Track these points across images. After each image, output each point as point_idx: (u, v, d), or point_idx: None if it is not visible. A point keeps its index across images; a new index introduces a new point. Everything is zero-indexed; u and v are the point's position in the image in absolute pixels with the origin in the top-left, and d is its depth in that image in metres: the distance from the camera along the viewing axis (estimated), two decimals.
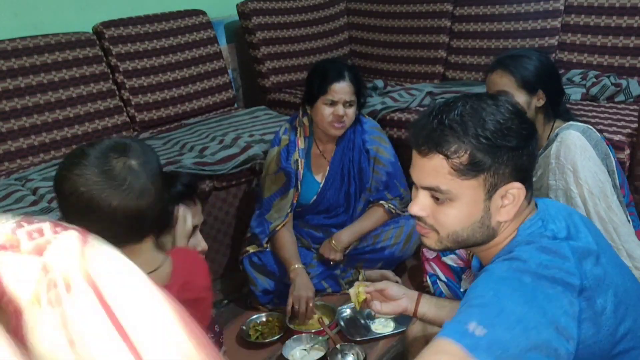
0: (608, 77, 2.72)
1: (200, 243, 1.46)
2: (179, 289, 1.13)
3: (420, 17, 3.38)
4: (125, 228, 1.07)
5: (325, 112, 2.14)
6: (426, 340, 1.58)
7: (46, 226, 0.57)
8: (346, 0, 3.74)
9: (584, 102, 2.69)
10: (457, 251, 2.12)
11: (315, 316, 2.12)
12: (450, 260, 2.12)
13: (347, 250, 2.32)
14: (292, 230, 2.29)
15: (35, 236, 0.56)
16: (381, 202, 2.31)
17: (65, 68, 2.70)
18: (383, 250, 2.36)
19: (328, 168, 2.30)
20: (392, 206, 2.31)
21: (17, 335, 0.53)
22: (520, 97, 1.73)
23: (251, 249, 2.30)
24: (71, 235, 0.58)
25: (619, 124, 2.35)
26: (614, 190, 1.73)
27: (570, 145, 1.69)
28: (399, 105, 2.87)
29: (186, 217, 1.39)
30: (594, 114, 2.51)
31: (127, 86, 2.91)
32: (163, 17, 3.08)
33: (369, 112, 2.80)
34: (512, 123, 1.02)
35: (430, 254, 2.16)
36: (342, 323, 2.13)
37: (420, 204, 1.08)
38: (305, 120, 2.27)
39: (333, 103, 2.13)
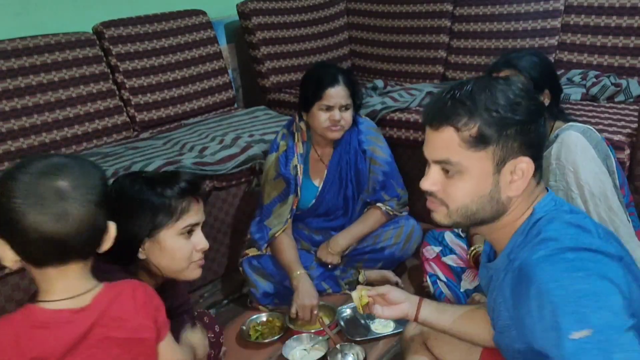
0: (608, 77, 2.72)
1: (201, 241, 1.46)
2: (100, 322, 1.09)
3: (420, 17, 3.38)
4: (39, 249, 1.02)
5: (321, 117, 2.13)
6: (423, 340, 1.58)
7: None
8: (346, 0, 3.74)
9: (584, 102, 2.69)
10: (457, 252, 2.12)
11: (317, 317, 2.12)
12: (450, 260, 2.12)
13: (346, 252, 2.32)
14: (291, 235, 2.29)
15: None
16: (378, 204, 2.30)
17: (65, 68, 2.70)
18: (383, 251, 2.36)
19: (326, 172, 2.29)
20: (389, 208, 2.31)
21: None
22: None
23: (250, 252, 2.30)
24: None
25: (619, 124, 2.35)
26: (614, 191, 1.73)
27: (570, 145, 1.69)
28: (399, 105, 2.87)
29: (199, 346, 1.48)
30: (594, 114, 2.51)
31: (127, 86, 2.91)
32: (163, 17, 3.08)
33: (369, 112, 2.80)
34: (522, 99, 1.05)
35: (430, 254, 2.16)
36: (342, 323, 2.13)
37: (432, 179, 1.11)
38: (302, 125, 2.26)
39: (329, 108, 2.12)
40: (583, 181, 1.68)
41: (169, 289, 1.60)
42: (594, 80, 2.73)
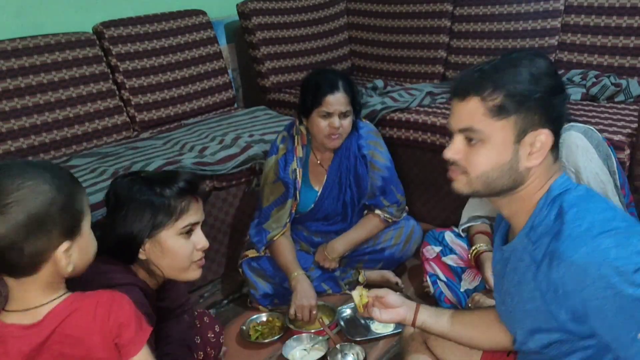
0: (608, 77, 2.72)
1: (201, 240, 1.46)
2: (54, 339, 1.08)
3: (420, 17, 3.37)
4: None
5: (320, 124, 2.11)
6: (423, 339, 1.58)
7: None
8: (346, 0, 3.74)
9: (584, 102, 2.69)
10: (457, 252, 2.12)
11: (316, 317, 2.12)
12: (450, 260, 2.12)
13: (344, 255, 2.32)
14: (290, 237, 2.28)
15: None
16: (377, 211, 2.30)
17: (65, 68, 2.70)
18: (383, 251, 2.36)
19: (326, 177, 2.28)
20: (388, 216, 2.30)
21: None
22: None
23: (250, 254, 2.30)
24: None
25: (619, 124, 2.35)
26: (615, 191, 1.73)
27: (571, 146, 1.69)
28: (399, 105, 2.87)
29: None
30: (594, 114, 2.51)
31: (127, 86, 2.91)
32: (163, 17, 3.08)
33: (369, 112, 2.80)
34: (544, 76, 1.11)
35: (430, 254, 2.16)
36: (342, 323, 2.13)
37: (455, 148, 1.16)
38: (302, 128, 2.24)
39: (328, 115, 2.10)
40: (584, 181, 1.68)
41: (169, 289, 1.60)
42: (594, 80, 2.73)
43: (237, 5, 3.36)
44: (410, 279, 2.44)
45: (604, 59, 2.81)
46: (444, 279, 2.10)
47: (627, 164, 2.19)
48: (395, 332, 2.07)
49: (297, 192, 2.26)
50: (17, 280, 1.08)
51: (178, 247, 1.42)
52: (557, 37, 2.93)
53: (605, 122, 2.39)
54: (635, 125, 2.27)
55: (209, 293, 2.48)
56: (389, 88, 3.19)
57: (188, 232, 1.43)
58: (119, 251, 1.42)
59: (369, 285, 2.33)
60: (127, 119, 2.90)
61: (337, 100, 2.09)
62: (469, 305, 1.95)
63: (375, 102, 2.91)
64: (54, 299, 1.11)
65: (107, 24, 2.90)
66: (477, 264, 1.96)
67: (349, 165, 2.25)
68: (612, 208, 1.11)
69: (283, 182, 2.24)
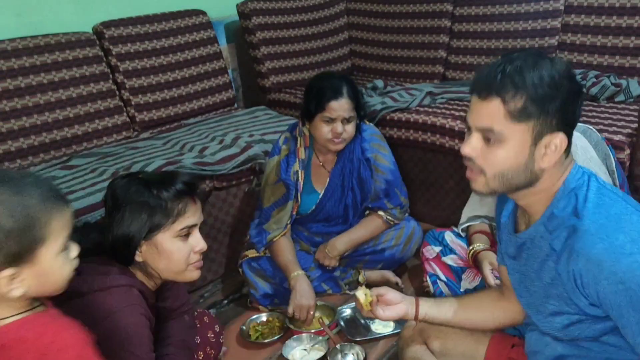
0: (608, 77, 2.72)
1: (199, 243, 1.45)
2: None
3: (420, 17, 3.37)
4: None
5: (323, 129, 2.10)
6: (423, 340, 1.58)
7: None
8: (346, 0, 3.74)
9: (584, 102, 2.69)
10: (457, 251, 2.12)
11: (316, 316, 2.12)
12: (450, 260, 2.12)
13: (345, 254, 2.32)
14: (290, 238, 2.28)
15: None
16: (380, 212, 2.30)
17: (65, 68, 2.70)
18: (383, 252, 2.36)
19: (328, 179, 2.27)
20: (390, 218, 2.30)
21: None
22: None
23: (250, 254, 2.29)
24: None
25: (619, 124, 2.35)
26: None
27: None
28: (399, 105, 2.87)
29: None
30: (594, 114, 2.51)
31: (127, 86, 2.91)
32: (163, 17, 3.08)
33: (369, 112, 2.80)
34: (565, 80, 1.13)
35: (430, 254, 2.16)
36: (342, 323, 2.13)
37: (472, 145, 1.18)
38: (305, 130, 2.24)
39: (331, 120, 2.09)
40: None
41: (169, 290, 1.60)
42: (594, 80, 2.73)
43: (237, 5, 3.36)
44: (411, 279, 2.44)
45: (604, 59, 2.81)
46: (444, 279, 2.10)
47: (627, 164, 2.19)
48: (395, 332, 2.07)
49: (299, 194, 2.25)
50: None
51: (175, 250, 1.41)
52: (557, 37, 2.93)
53: (605, 122, 2.39)
54: (635, 125, 2.27)
55: (209, 293, 2.48)
56: (389, 88, 3.19)
57: (186, 234, 1.42)
58: (116, 253, 1.41)
59: (369, 285, 2.33)
60: (127, 119, 2.90)
61: (340, 106, 2.07)
62: None
63: (375, 102, 2.91)
64: (6, 318, 1.05)
65: (107, 24, 2.90)
66: (475, 263, 1.96)
67: (352, 168, 2.24)
68: (625, 199, 1.16)
69: (284, 183, 2.24)
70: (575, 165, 1.21)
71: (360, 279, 2.35)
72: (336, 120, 2.09)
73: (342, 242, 2.29)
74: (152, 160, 2.44)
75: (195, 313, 1.81)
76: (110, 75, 2.87)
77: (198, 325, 1.78)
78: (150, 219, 1.37)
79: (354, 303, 2.14)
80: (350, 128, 2.13)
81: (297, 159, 2.23)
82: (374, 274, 2.36)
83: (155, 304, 1.52)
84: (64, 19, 2.88)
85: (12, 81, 2.55)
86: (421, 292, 2.25)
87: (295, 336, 2.05)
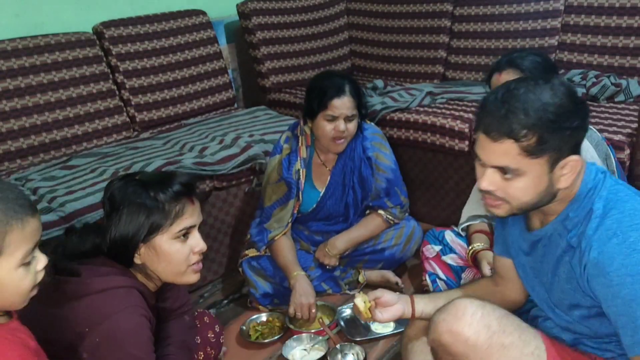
0: (608, 77, 2.72)
1: (199, 243, 1.45)
2: None
3: (420, 17, 3.37)
4: None
5: (326, 127, 2.11)
6: (425, 340, 1.58)
7: None
8: (346, 0, 3.74)
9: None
10: (457, 251, 2.12)
11: (316, 316, 2.12)
12: (450, 259, 2.12)
13: (344, 254, 2.32)
14: (290, 237, 2.28)
15: None
16: (380, 211, 2.30)
17: (65, 68, 2.70)
18: (383, 252, 2.36)
19: (329, 177, 2.28)
20: (390, 217, 2.30)
21: None
22: None
23: (250, 253, 2.29)
24: None
25: (619, 124, 2.35)
26: None
27: None
28: (399, 105, 2.87)
29: None
30: (594, 114, 2.51)
31: (127, 86, 2.91)
32: (163, 17, 3.08)
33: (369, 112, 2.79)
34: (570, 105, 1.15)
35: (430, 253, 2.16)
36: (342, 323, 2.13)
37: (489, 180, 1.20)
38: (307, 128, 2.24)
39: (334, 118, 2.09)
40: None
41: (170, 290, 1.60)
42: (594, 80, 2.73)
43: (237, 5, 3.36)
44: (410, 278, 2.44)
45: (604, 59, 2.81)
46: (444, 278, 2.10)
47: (627, 164, 2.19)
48: (395, 332, 2.07)
49: (300, 193, 2.26)
50: None
51: (173, 252, 1.40)
52: (557, 37, 2.93)
53: (605, 122, 2.39)
54: (635, 125, 2.27)
55: (209, 293, 2.48)
56: (389, 88, 3.19)
57: (184, 235, 1.41)
58: (115, 254, 1.41)
59: (369, 285, 2.33)
60: (127, 119, 2.90)
61: (343, 104, 2.08)
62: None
63: (375, 102, 2.91)
64: None
65: (107, 24, 2.90)
66: (474, 262, 1.96)
67: (353, 167, 2.25)
68: (638, 194, 1.20)
69: (286, 182, 2.24)
70: (588, 165, 1.24)
71: (360, 278, 2.35)
72: (338, 118, 2.09)
73: (342, 241, 2.29)
74: (152, 160, 2.44)
75: (195, 313, 1.80)
76: (110, 75, 2.87)
77: (198, 325, 1.77)
78: (147, 221, 1.36)
79: (354, 303, 2.14)
80: (352, 126, 2.13)
81: (298, 158, 2.24)
82: (374, 274, 2.36)
83: (155, 304, 1.52)
84: (64, 19, 2.88)
85: (12, 81, 2.55)
86: (420, 291, 2.24)
87: (295, 336, 2.05)
